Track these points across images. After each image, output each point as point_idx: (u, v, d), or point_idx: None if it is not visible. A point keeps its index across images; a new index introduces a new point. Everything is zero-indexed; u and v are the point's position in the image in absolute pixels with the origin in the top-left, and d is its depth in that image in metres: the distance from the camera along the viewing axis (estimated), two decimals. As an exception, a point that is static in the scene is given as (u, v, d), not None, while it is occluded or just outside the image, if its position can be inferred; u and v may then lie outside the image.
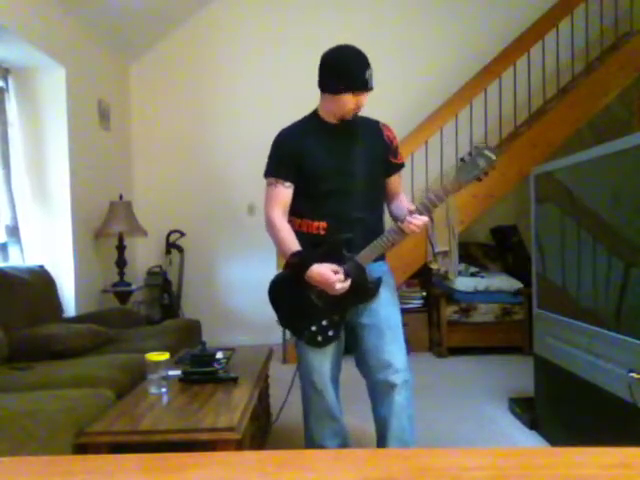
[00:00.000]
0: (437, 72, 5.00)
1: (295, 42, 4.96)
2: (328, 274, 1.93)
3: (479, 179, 1.93)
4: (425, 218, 1.92)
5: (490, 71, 4.48)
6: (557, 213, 2.61)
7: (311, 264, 1.95)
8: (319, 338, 2.03)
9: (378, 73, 5.21)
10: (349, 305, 2.03)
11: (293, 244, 2.00)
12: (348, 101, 1.97)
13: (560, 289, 2.57)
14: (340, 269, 1.95)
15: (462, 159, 1.94)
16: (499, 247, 4.98)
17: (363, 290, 2.01)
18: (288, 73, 4.94)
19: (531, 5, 4.76)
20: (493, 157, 1.89)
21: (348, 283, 1.95)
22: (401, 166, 2.19)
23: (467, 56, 4.86)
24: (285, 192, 2.06)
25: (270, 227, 2.07)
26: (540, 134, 4.33)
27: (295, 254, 1.98)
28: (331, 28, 4.86)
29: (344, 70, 1.96)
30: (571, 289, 2.49)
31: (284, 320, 2.13)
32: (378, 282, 2.03)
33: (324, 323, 2.02)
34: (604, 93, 4.32)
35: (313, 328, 2.03)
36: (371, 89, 1.99)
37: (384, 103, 5.05)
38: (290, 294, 2.06)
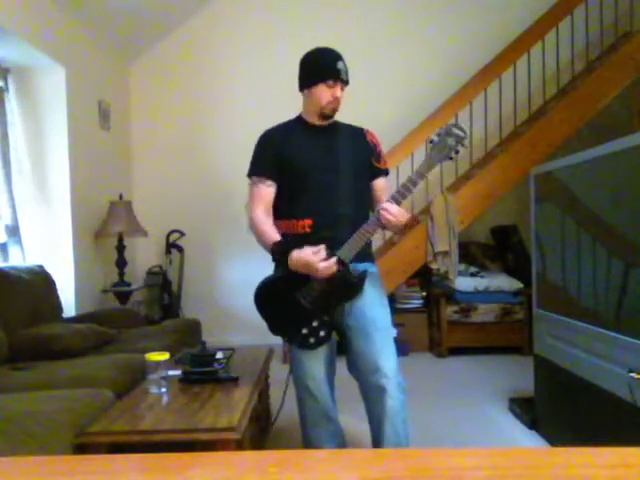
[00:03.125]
0: (437, 72, 5.00)
1: (294, 42, 4.94)
2: (308, 256, 1.91)
3: (450, 158, 1.95)
4: (397, 207, 1.91)
5: (490, 71, 4.48)
6: (557, 213, 2.61)
7: (292, 250, 1.95)
8: (311, 340, 2.02)
9: (378, 73, 5.22)
10: (337, 303, 2.02)
11: (274, 235, 2.01)
12: (323, 93, 2.02)
13: (560, 289, 2.57)
14: (320, 247, 1.92)
15: (431, 141, 1.95)
16: (499, 247, 4.98)
17: (347, 285, 1.99)
18: (287, 73, 4.92)
19: (531, 5, 4.76)
20: (462, 134, 1.91)
21: (333, 260, 1.92)
22: (384, 172, 2.20)
23: (467, 56, 4.86)
24: (266, 191, 2.08)
25: (251, 225, 2.08)
26: (540, 134, 4.33)
27: (276, 243, 1.99)
28: (330, 29, 4.86)
29: (315, 62, 2.05)
30: (571, 289, 2.49)
31: (274, 327, 2.10)
32: (362, 276, 2.00)
33: (314, 324, 2.01)
34: (604, 93, 4.31)
35: (304, 331, 2.01)
36: (344, 82, 2.03)
37: (384, 103, 5.08)
38: (277, 299, 2.04)
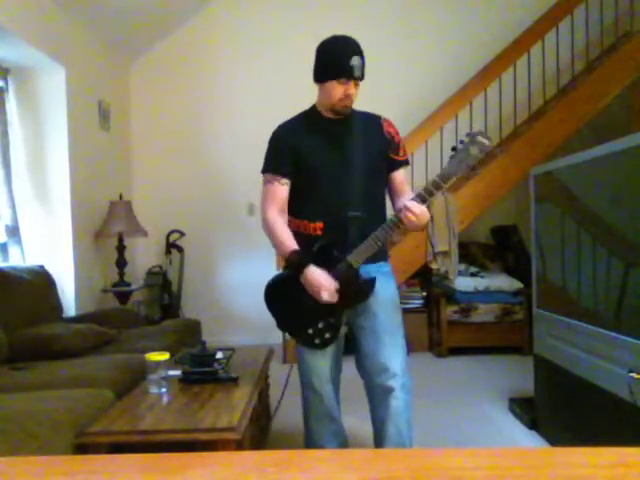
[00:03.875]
0: (437, 72, 5.00)
1: (294, 41, 4.95)
2: (322, 280, 1.91)
3: (473, 168, 1.88)
4: (421, 207, 1.83)
5: (490, 71, 4.48)
6: (557, 213, 2.61)
7: (309, 265, 1.93)
8: (316, 341, 2.02)
9: (378, 73, 5.22)
10: (344, 307, 2.00)
11: (291, 243, 1.97)
12: (334, 90, 1.94)
13: (560, 289, 2.57)
14: (335, 283, 1.92)
15: (454, 148, 1.85)
16: (499, 247, 4.98)
17: (355, 291, 1.97)
18: (287, 72, 4.94)
19: (531, 5, 4.76)
20: (487, 143, 1.80)
21: (335, 298, 1.92)
22: (403, 163, 2.11)
23: (467, 56, 4.86)
24: (281, 189, 2.03)
25: (266, 227, 2.04)
26: (540, 134, 4.33)
27: (295, 252, 1.96)
28: (330, 28, 4.85)
29: (328, 57, 1.95)
30: (571, 289, 2.49)
31: (281, 323, 2.11)
32: (371, 282, 1.97)
33: (320, 326, 2.00)
34: (604, 93, 4.31)
35: (310, 331, 2.01)
36: (358, 78, 1.93)
37: (384, 103, 5.06)
38: (286, 297, 2.04)
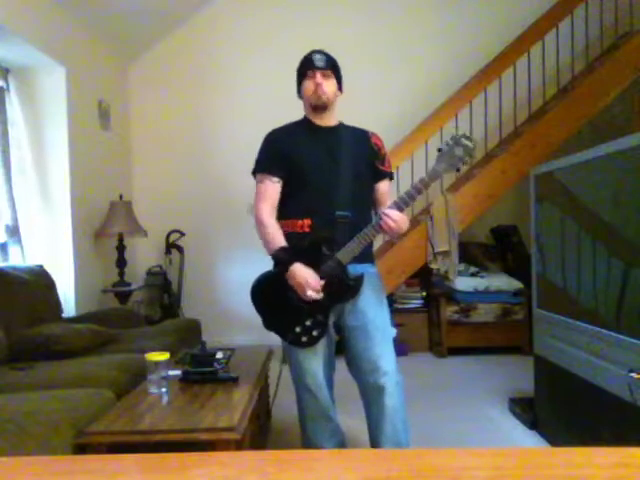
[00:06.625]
0: (437, 72, 5.00)
1: (295, 42, 4.94)
2: (309, 278, 1.93)
3: (457, 169, 1.95)
4: (399, 214, 1.92)
5: (490, 71, 4.48)
6: (557, 213, 2.61)
7: (295, 262, 1.96)
8: (304, 339, 2.03)
9: (378, 73, 5.22)
10: (332, 304, 2.02)
11: (280, 240, 2.02)
12: (306, 87, 2.09)
13: (560, 289, 2.57)
14: (321, 282, 1.95)
15: (439, 149, 1.95)
16: (499, 247, 4.98)
17: (344, 287, 2.00)
18: (288, 73, 4.94)
19: (531, 5, 4.76)
20: (471, 145, 1.91)
21: (320, 296, 1.95)
22: (387, 175, 2.20)
23: (467, 56, 4.86)
24: (273, 188, 2.09)
25: (258, 225, 2.09)
26: (540, 134, 4.33)
27: (282, 249, 2.00)
28: (331, 28, 4.86)
29: (298, 67, 2.14)
30: (571, 289, 2.49)
31: (268, 322, 2.12)
32: (359, 279, 2.01)
33: (308, 323, 2.02)
34: (604, 93, 4.31)
35: (297, 329, 2.03)
36: (321, 68, 2.06)
37: (384, 103, 5.08)
38: (272, 296, 2.06)
